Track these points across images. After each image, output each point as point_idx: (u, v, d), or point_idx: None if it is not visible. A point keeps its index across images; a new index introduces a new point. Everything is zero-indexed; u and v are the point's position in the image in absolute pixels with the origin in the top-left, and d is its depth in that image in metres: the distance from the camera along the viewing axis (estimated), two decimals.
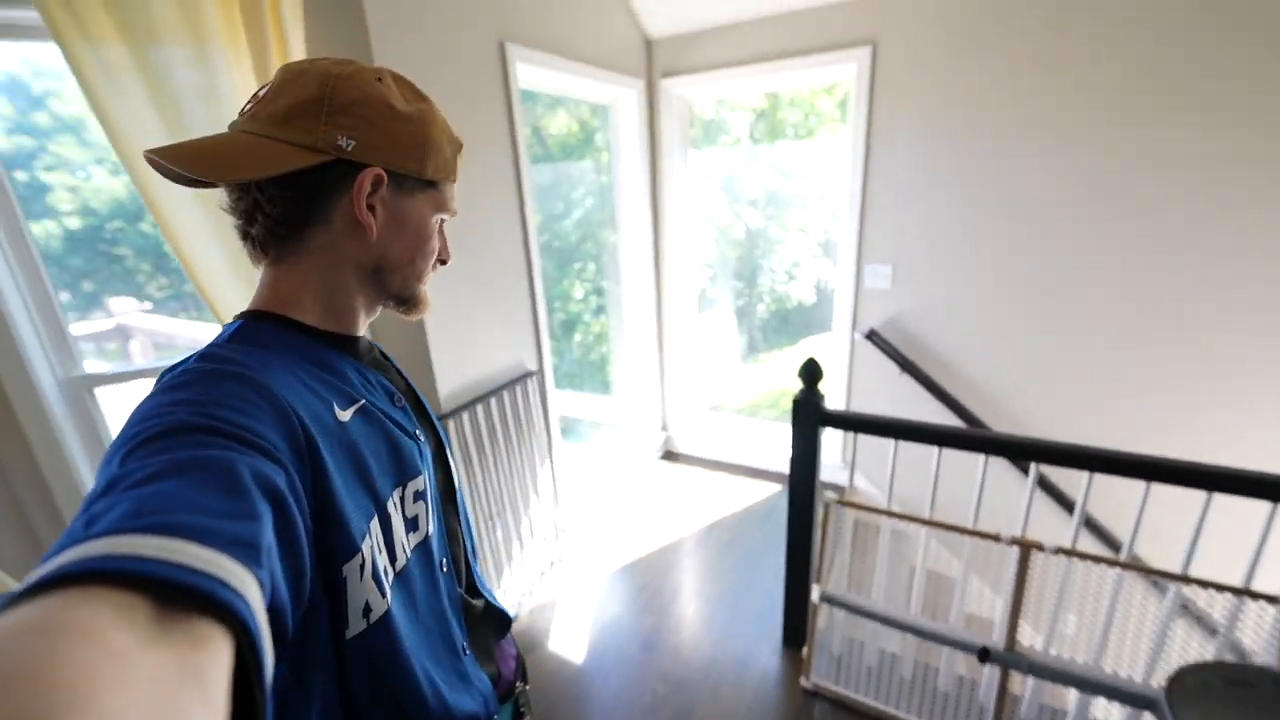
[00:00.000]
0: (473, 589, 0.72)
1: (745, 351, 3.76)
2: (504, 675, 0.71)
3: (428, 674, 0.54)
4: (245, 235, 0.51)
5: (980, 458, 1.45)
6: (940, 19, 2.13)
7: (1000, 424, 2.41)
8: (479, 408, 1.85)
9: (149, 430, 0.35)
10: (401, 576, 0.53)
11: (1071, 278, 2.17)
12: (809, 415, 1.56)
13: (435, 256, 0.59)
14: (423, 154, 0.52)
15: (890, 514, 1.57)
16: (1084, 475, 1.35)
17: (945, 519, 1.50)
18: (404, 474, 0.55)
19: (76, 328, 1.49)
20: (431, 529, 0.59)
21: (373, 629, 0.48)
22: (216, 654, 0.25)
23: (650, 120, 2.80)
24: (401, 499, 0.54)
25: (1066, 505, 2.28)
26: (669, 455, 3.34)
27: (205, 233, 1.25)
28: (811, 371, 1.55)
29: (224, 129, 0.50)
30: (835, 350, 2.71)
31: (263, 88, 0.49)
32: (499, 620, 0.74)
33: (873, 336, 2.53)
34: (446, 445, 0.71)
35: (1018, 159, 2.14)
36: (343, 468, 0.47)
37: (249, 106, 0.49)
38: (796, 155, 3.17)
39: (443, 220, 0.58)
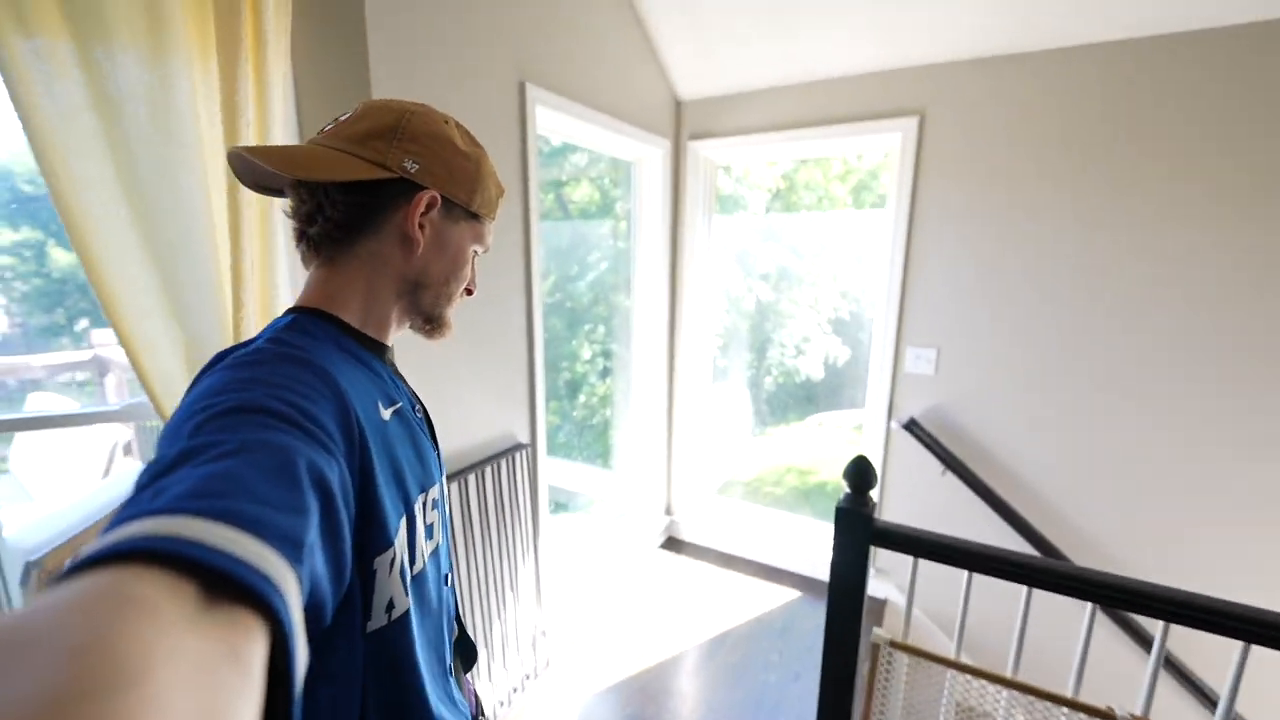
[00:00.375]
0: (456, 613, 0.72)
1: (752, 425, 3.57)
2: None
3: (432, 681, 0.56)
4: (302, 236, 0.55)
5: (1084, 605, 1.12)
6: (994, 93, 1.98)
7: (1079, 555, 2.03)
8: (453, 484, 1.55)
9: (219, 405, 0.36)
10: (418, 580, 0.54)
11: (1171, 388, 1.87)
12: (857, 530, 1.25)
13: (465, 284, 0.63)
14: (473, 188, 0.58)
15: (960, 667, 1.22)
16: (1234, 645, 1.01)
17: (1019, 673, 1.15)
18: (427, 480, 0.58)
19: (46, 358, 1.38)
20: (441, 540, 0.61)
21: (392, 625, 0.50)
22: (254, 640, 0.24)
23: (675, 182, 2.65)
24: (423, 504, 0.56)
25: (1179, 674, 1.88)
26: (671, 543, 2.97)
27: (132, 250, 1.02)
28: (862, 474, 1.25)
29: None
30: (868, 441, 2.41)
31: (343, 114, 0.55)
32: (468, 652, 0.75)
33: (913, 427, 2.23)
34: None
35: (1086, 245, 1.92)
36: (383, 464, 0.49)
37: (329, 126, 0.55)
38: (809, 233, 3.11)
39: (476, 253, 0.63)
